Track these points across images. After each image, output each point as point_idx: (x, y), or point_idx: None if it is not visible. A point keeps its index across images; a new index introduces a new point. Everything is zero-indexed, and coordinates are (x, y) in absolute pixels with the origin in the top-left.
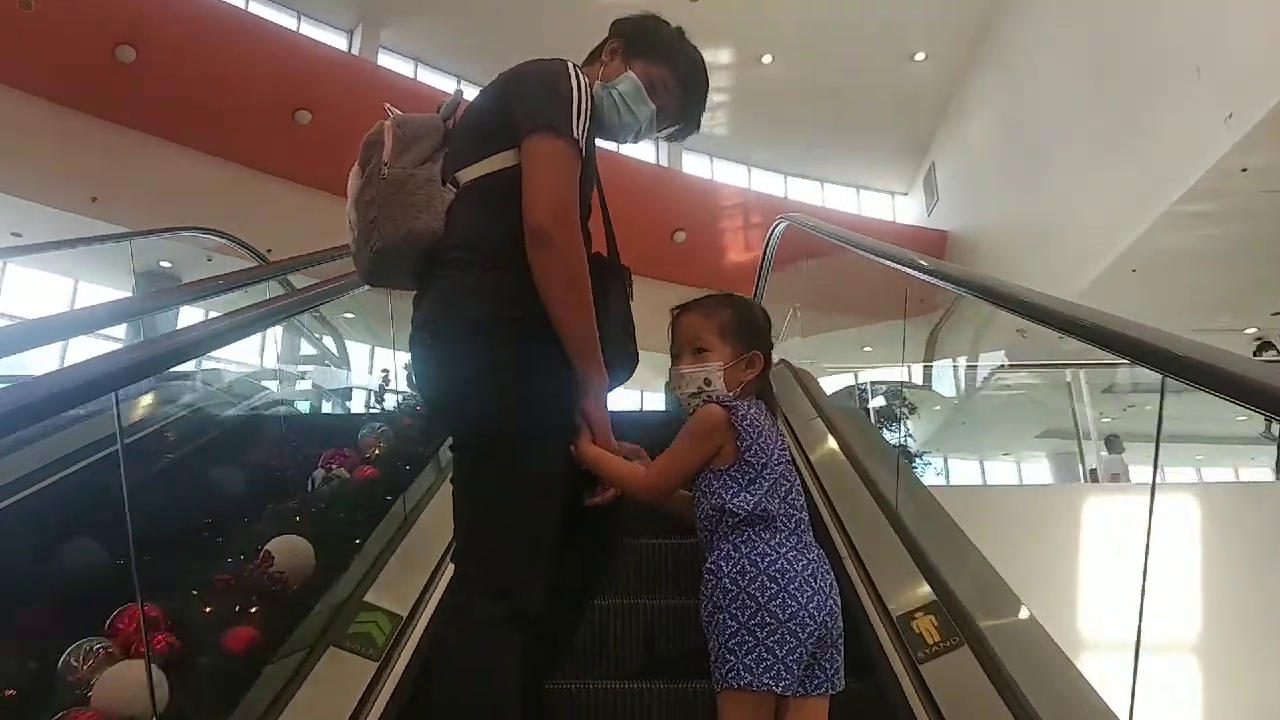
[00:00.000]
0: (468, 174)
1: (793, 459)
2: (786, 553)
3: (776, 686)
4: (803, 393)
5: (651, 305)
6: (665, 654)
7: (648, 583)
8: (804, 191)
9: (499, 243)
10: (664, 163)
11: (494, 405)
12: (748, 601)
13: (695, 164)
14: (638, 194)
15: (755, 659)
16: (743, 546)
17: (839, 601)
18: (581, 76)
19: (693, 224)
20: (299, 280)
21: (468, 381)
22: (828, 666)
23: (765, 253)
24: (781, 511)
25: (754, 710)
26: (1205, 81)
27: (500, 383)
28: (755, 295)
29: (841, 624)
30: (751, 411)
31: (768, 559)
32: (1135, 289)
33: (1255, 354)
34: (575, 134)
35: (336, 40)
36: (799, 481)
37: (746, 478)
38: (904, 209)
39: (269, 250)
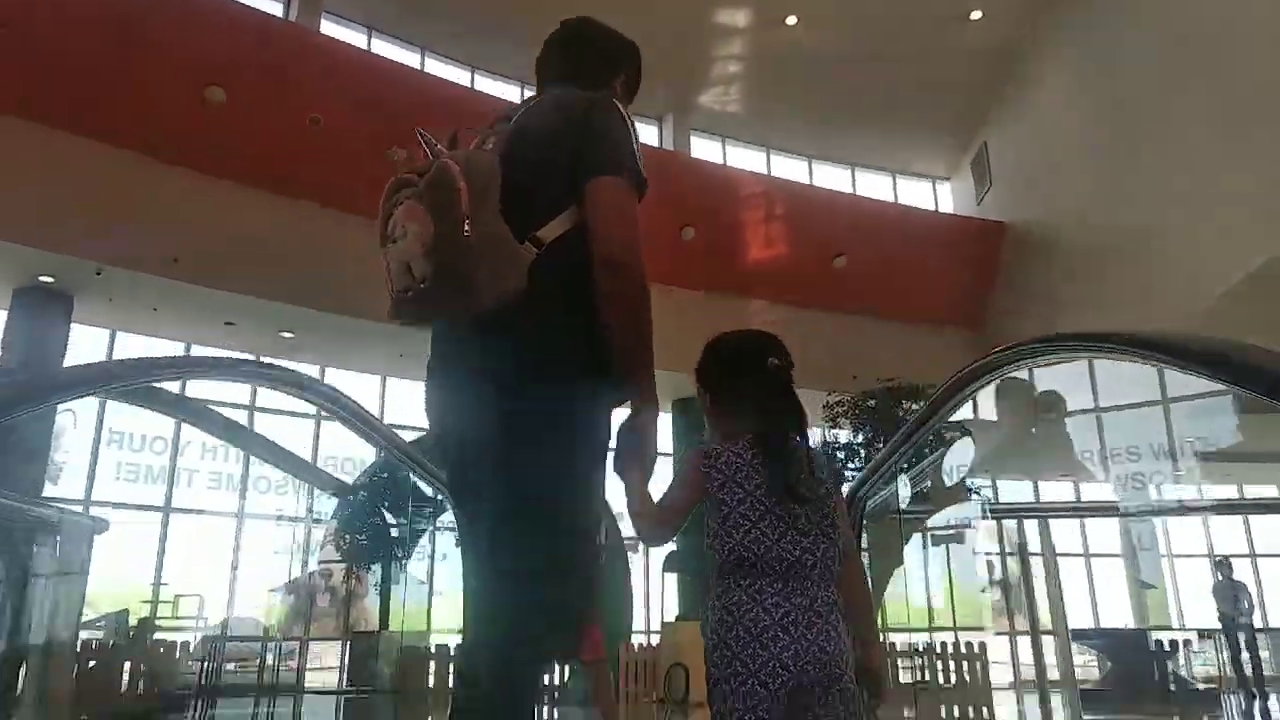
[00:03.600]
0: (548, 233)
1: (803, 502)
2: (765, 600)
3: None
4: None
5: (661, 316)
6: None
7: None
8: (831, 178)
9: (583, 300)
10: (669, 145)
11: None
12: (724, 651)
13: (706, 148)
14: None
15: (729, 708)
16: (724, 595)
17: (828, 649)
18: (629, 115)
19: (703, 218)
20: None
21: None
22: (824, 715)
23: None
24: (763, 558)
25: None
26: None
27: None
28: None
29: (839, 670)
30: (728, 456)
31: (743, 608)
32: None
33: None
34: (640, 173)
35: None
36: (804, 527)
37: (724, 523)
38: (947, 196)
39: (175, 259)
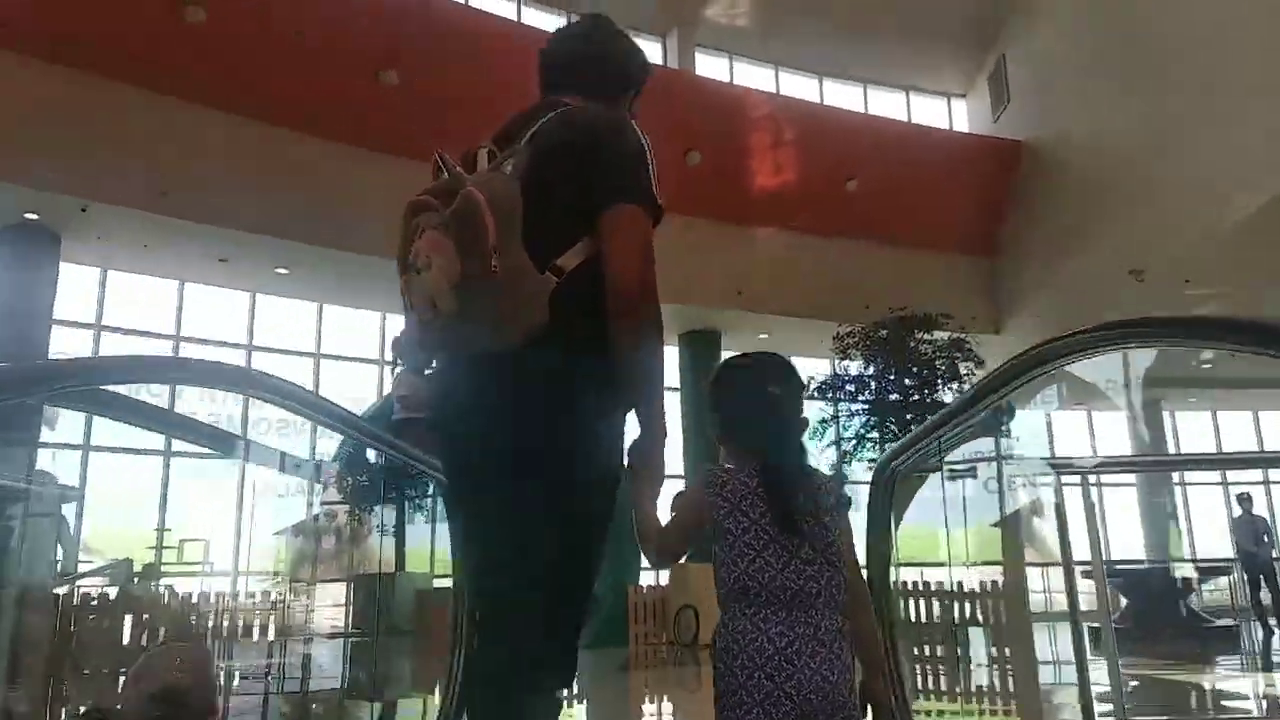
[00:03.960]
0: (565, 260)
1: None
2: (770, 629)
3: None
4: None
5: (667, 245)
6: None
7: None
8: (843, 96)
9: (604, 329)
10: (673, 64)
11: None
12: (730, 679)
13: (711, 66)
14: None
15: None
16: (729, 624)
17: (831, 678)
18: (644, 136)
19: (709, 141)
20: None
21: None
22: None
23: None
24: (767, 586)
25: None
26: None
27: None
28: None
29: (842, 699)
30: (734, 483)
31: (748, 636)
32: None
33: None
34: (655, 200)
35: None
36: (808, 556)
37: (729, 551)
38: (962, 114)
39: (164, 193)
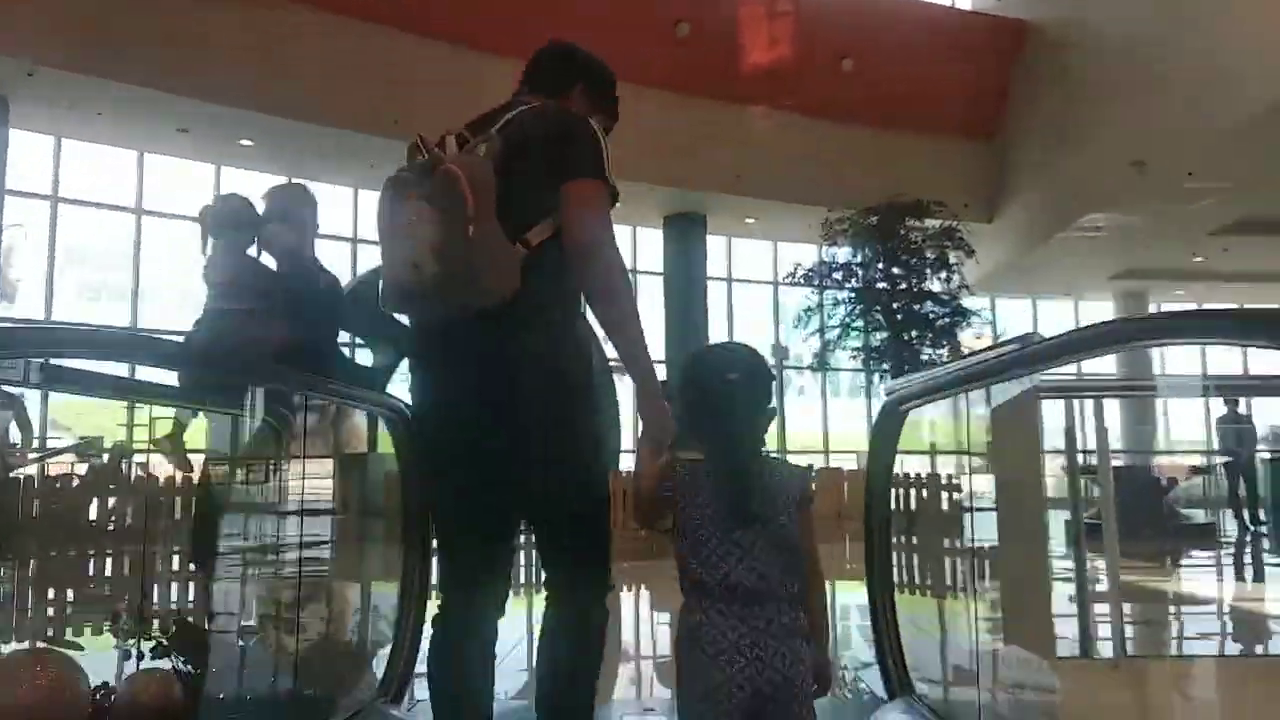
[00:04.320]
0: (536, 235)
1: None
2: (724, 623)
3: None
4: None
5: (652, 124)
6: None
7: None
8: None
9: (575, 298)
10: None
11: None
12: (685, 671)
13: None
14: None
15: (702, 712)
16: (688, 615)
17: (784, 670)
18: (601, 131)
19: (699, 10)
20: None
21: (596, 401)
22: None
23: None
24: (721, 583)
25: None
26: None
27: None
28: None
29: (794, 689)
30: (691, 476)
31: (704, 629)
32: None
33: None
34: (610, 180)
35: None
36: (760, 550)
37: (687, 544)
38: None
39: (116, 58)
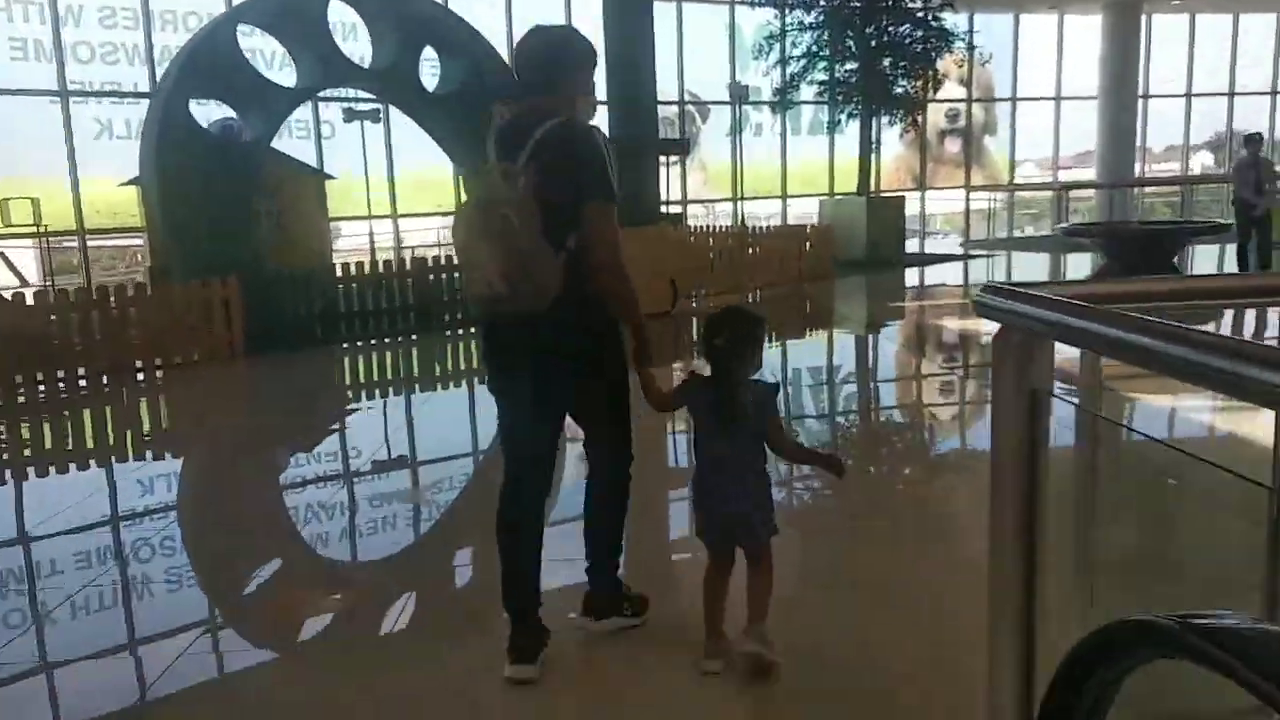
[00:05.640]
0: (571, 242)
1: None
2: (708, 474)
3: (706, 541)
4: None
5: None
6: None
7: None
8: None
9: (592, 293)
10: None
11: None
12: (693, 499)
13: None
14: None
15: (702, 529)
16: (696, 471)
17: (743, 507)
18: (609, 144)
19: None
20: None
21: (615, 343)
22: (743, 535)
23: None
24: (709, 452)
25: (712, 552)
26: None
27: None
28: None
29: (753, 516)
30: (699, 390)
31: (700, 474)
32: None
33: None
34: (616, 196)
35: None
36: (734, 435)
37: (695, 429)
38: None
39: None
